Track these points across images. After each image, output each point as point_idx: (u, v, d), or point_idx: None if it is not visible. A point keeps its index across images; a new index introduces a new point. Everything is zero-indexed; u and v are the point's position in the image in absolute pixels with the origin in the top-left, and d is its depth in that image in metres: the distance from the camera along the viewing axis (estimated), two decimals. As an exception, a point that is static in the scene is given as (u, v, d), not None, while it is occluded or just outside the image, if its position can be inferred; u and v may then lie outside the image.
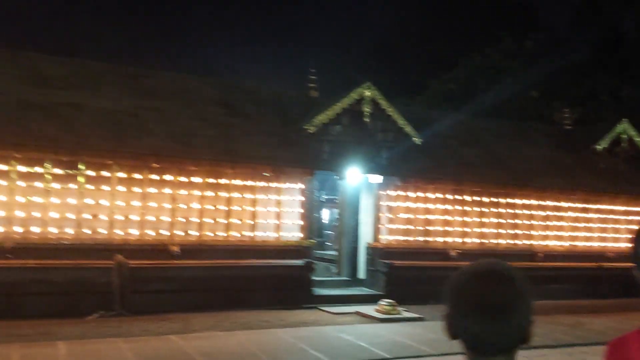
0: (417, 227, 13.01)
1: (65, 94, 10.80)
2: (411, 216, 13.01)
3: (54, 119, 10.24)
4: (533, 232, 14.15)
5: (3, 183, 9.45)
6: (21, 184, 9.55)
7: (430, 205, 13.20)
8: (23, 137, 9.56)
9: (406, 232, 12.92)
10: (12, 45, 12.38)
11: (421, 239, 13.02)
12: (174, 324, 9.09)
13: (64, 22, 27.03)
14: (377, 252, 12.61)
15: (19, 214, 9.51)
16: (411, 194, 13.05)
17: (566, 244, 14.51)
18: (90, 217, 10.01)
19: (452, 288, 1.34)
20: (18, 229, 9.48)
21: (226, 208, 11.13)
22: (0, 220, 9.38)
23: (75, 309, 9.40)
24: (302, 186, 11.87)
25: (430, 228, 13.13)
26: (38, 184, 9.66)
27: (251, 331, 8.88)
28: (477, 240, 13.49)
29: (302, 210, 11.82)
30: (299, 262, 11.48)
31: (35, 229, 9.60)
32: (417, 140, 12.68)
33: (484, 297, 1.28)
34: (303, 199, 11.87)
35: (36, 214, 9.61)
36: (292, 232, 11.71)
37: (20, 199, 9.52)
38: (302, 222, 11.80)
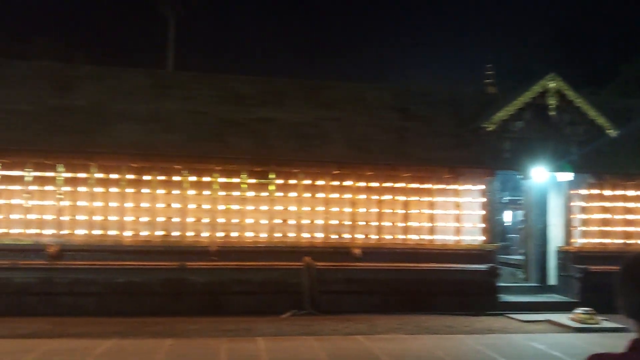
0: (616, 229, 11.77)
1: (257, 110, 11.81)
2: (608, 216, 11.82)
3: (249, 133, 11.26)
4: None
5: (207, 193, 10.64)
6: (222, 193, 10.67)
7: (631, 204, 11.86)
8: (223, 151, 10.68)
9: (603, 235, 11.77)
10: (212, 69, 13.94)
11: (620, 241, 11.76)
12: (359, 325, 9.39)
13: (252, 43, 29.54)
14: (569, 257, 11.68)
15: (221, 220, 10.63)
16: (607, 193, 11.85)
17: None
18: (280, 221, 10.82)
19: (624, 270, 1.55)
20: (220, 234, 10.60)
21: (404, 211, 11.22)
22: (205, 226, 10.58)
23: (271, 307, 10.19)
24: (483, 187, 11.47)
25: (632, 229, 11.79)
26: (236, 193, 10.72)
27: (436, 336, 8.81)
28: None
29: (483, 213, 11.42)
30: (482, 266, 11.11)
31: (234, 234, 10.65)
32: (612, 132, 11.48)
33: None
34: (484, 200, 11.46)
35: (235, 220, 10.66)
36: (473, 235, 11.38)
37: (221, 206, 10.64)
38: (483, 225, 11.40)
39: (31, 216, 9.98)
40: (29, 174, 9.95)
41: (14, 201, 9.95)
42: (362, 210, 11.09)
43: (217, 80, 12.89)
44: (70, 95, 11.26)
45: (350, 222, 11.04)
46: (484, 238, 11.35)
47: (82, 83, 11.71)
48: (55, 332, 8.16)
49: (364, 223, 11.08)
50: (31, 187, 10.00)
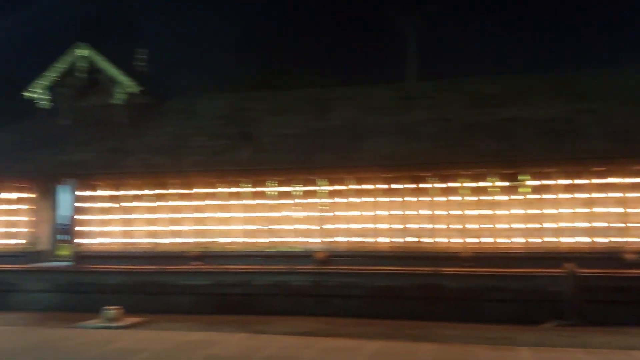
0: None
1: (500, 110, 11.47)
2: None
3: (494, 135, 10.99)
4: None
5: (456, 198, 10.68)
6: (471, 198, 10.60)
7: None
8: (470, 155, 10.61)
9: None
10: (454, 74, 14.00)
11: None
12: (634, 338, 8.34)
13: (494, 42, 28.71)
14: None
15: (472, 226, 10.56)
16: None
17: None
18: (536, 225, 10.27)
19: None
20: (472, 240, 10.52)
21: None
22: (456, 232, 10.62)
23: (528, 316, 9.70)
24: None
25: None
26: (486, 198, 10.53)
27: None
28: None
29: None
30: None
31: (487, 239, 10.46)
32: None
33: None
34: None
35: (486, 225, 10.48)
36: None
37: (471, 212, 10.57)
38: None
39: (300, 226, 11.32)
40: (297, 189, 11.33)
41: (286, 213, 11.42)
42: (634, 210, 9.87)
43: (459, 84, 12.88)
44: (328, 116, 12.52)
45: (622, 224, 9.90)
46: None
47: (337, 104, 12.92)
48: (328, 331, 9.04)
49: (638, 225, 9.84)
50: (299, 201, 11.36)
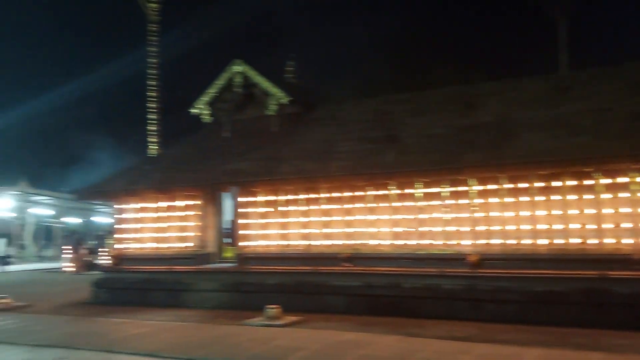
0: None
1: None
2: None
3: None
4: None
5: (625, 195, 9.74)
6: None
7: None
8: (637, 147, 9.59)
9: None
10: (610, 62, 12.78)
11: None
12: None
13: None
14: None
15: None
16: None
17: None
18: None
19: None
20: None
21: None
22: (626, 232, 9.68)
23: None
24: None
25: None
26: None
27: None
28: None
29: None
30: None
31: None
32: None
33: None
34: None
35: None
36: None
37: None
38: None
39: (450, 228, 11.10)
40: (445, 190, 11.12)
41: (435, 215, 11.27)
42: None
43: (618, 71, 11.74)
44: (475, 113, 12.13)
45: None
46: None
47: (485, 100, 12.48)
48: (483, 337, 8.78)
49: None
50: (448, 202, 11.14)
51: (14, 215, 34.02)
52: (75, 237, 28.77)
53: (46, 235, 40.25)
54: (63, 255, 27.39)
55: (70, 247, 26.64)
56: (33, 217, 34.47)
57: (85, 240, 34.15)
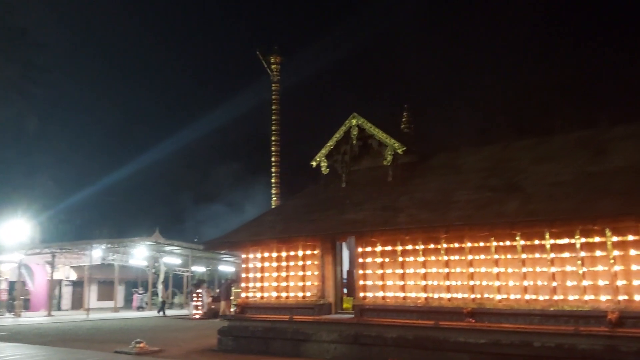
0: None
1: None
2: None
3: None
4: None
5: None
6: None
7: None
8: None
9: None
10: None
11: None
12: None
13: None
14: None
15: None
16: None
17: None
18: None
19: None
20: None
21: None
22: None
23: None
24: None
25: None
26: None
27: None
28: None
29: None
30: None
31: None
32: None
33: None
34: None
35: None
36: None
37: None
38: None
39: (585, 282, 10.23)
40: (578, 241, 10.34)
41: (568, 268, 10.47)
42: None
43: None
44: (606, 158, 11.32)
45: None
46: None
47: (616, 145, 11.63)
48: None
49: None
50: (581, 254, 10.32)
51: (146, 264, 36.65)
52: (203, 285, 30.30)
53: (174, 283, 42.75)
54: (191, 303, 28.90)
55: (198, 295, 28.08)
56: (164, 266, 36.87)
57: (212, 288, 35.86)
